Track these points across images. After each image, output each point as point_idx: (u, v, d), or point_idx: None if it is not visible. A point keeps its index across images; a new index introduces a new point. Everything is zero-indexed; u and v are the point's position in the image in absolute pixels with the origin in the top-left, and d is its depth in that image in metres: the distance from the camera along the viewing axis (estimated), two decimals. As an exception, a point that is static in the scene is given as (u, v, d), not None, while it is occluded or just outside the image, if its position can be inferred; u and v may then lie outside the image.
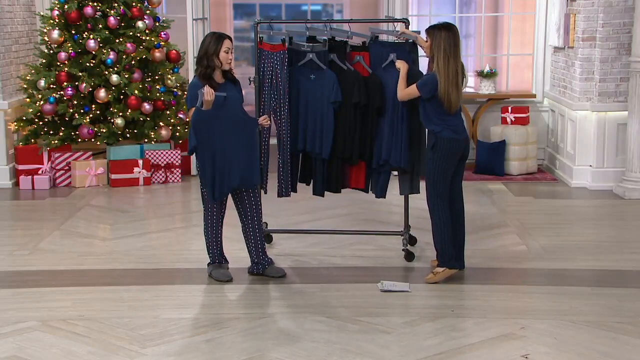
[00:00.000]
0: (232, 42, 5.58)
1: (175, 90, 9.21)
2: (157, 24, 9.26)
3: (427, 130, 5.85)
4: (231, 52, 5.56)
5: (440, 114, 5.62)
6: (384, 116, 6.16)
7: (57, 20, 8.93)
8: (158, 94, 9.05)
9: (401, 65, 5.81)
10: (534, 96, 9.88)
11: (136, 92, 8.82)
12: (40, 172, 8.84)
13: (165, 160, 8.96)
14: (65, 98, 8.82)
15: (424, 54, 5.90)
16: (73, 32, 8.96)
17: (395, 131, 6.12)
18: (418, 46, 6.11)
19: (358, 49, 6.31)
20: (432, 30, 5.62)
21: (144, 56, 9.01)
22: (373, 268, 6.04)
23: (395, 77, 5.93)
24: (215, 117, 5.48)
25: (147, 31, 9.04)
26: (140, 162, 8.89)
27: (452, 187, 5.81)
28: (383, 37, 6.58)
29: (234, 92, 5.61)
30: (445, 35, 5.55)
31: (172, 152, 9.03)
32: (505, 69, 10.33)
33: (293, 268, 6.05)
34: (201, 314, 5.21)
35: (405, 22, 6.26)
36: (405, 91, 5.73)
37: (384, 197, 6.38)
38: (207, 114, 5.44)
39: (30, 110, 8.86)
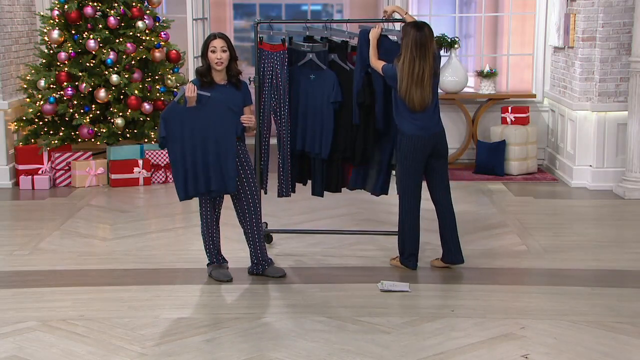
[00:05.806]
0: (226, 41, 5.51)
1: (175, 90, 9.21)
2: (157, 24, 9.25)
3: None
4: (221, 51, 5.48)
5: (409, 110, 5.67)
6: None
7: (57, 20, 8.93)
8: (158, 94, 9.05)
9: (372, 34, 5.91)
10: (534, 96, 9.87)
11: (136, 92, 8.81)
12: (40, 172, 8.83)
13: (165, 160, 8.95)
14: (65, 98, 8.81)
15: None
16: (73, 32, 8.96)
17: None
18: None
19: (355, 48, 6.30)
20: (404, 27, 5.68)
21: (144, 56, 9.01)
22: (373, 268, 6.04)
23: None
24: (194, 115, 5.48)
25: (147, 31, 9.04)
26: (140, 162, 8.89)
27: (432, 185, 5.83)
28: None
29: (227, 95, 5.53)
30: (413, 34, 5.57)
31: (172, 152, 9.02)
32: (505, 69, 10.33)
33: (293, 268, 6.04)
34: (201, 314, 5.21)
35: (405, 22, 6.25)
36: (376, 63, 5.85)
37: (386, 194, 6.35)
38: (185, 109, 5.47)
39: (30, 110, 8.85)
